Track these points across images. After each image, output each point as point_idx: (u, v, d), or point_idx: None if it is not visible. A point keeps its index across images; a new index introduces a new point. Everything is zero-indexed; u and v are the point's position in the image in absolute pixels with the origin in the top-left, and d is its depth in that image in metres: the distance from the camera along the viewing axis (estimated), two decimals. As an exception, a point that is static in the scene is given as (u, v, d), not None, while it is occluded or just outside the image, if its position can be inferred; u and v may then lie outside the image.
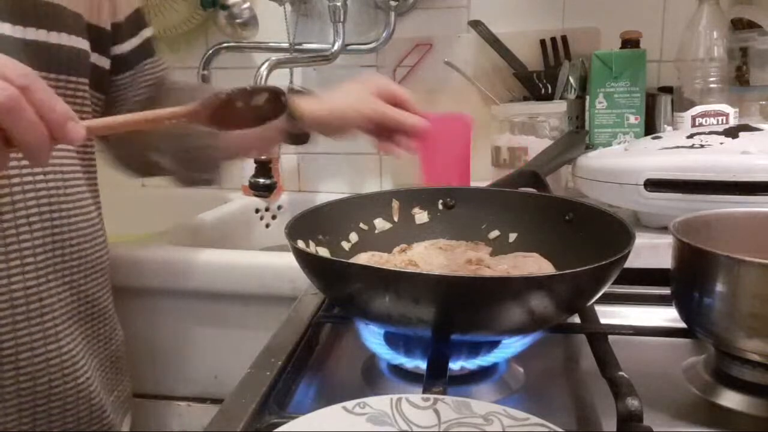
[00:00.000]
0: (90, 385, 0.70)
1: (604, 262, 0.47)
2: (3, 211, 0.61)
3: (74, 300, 0.69)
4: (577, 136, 1.00)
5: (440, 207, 0.70)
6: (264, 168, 1.19)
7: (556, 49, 1.25)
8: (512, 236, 0.67)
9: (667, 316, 0.62)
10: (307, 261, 0.52)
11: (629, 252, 0.50)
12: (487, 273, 0.58)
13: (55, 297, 0.66)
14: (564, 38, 1.25)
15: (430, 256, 0.62)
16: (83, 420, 0.70)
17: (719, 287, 0.48)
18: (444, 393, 0.45)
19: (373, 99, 0.76)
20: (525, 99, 1.24)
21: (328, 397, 0.53)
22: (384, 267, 0.50)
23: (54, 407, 0.66)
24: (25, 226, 0.63)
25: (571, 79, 1.17)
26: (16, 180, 0.62)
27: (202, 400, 0.93)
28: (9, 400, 0.63)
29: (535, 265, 0.61)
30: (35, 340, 0.64)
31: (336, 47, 1.24)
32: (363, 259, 0.62)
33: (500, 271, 0.59)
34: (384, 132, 0.76)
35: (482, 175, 1.01)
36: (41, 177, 0.64)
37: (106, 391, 0.74)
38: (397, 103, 0.76)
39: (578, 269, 0.46)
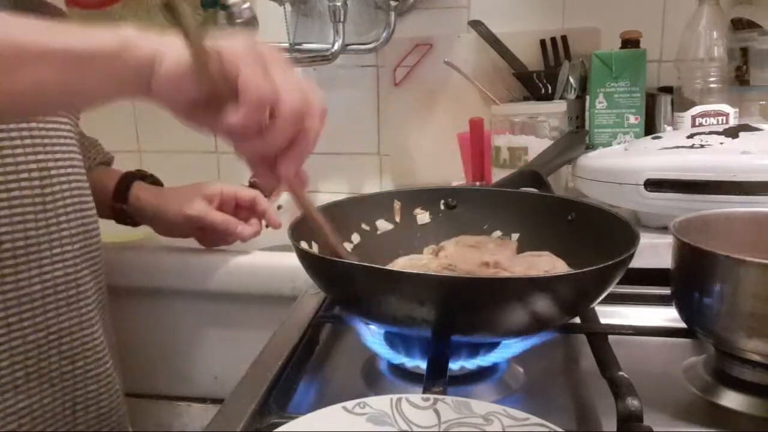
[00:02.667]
0: (113, 372, 0.72)
1: (610, 263, 0.47)
2: (47, 201, 0.64)
3: (98, 290, 0.71)
4: (577, 136, 0.99)
5: (442, 207, 0.70)
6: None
7: (556, 49, 1.25)
8: (514, 236, 0.67)
9: (667, 316, 0.62)
10: (310, 262, 0.52)
11: (634, 252, 0.50)
12: (503, 276, 0.57)
13: (87, 285, 0.69)
14: (564, 38, 1.25)
15: (464, 256, 0.62)
16: (112, 404, 0.72)
17: (719, 287, 0.48)
18: (444, 393, 0.45)
19: (199, 201, 0.82)
20: (525, 99, 1.24)
21: (328, 397, 0.53)
22: (385, 268, 0.50)
23: (90, 391, 0.69)
24: (63, 216, 0.66)
25: (571, 79, 1.17)
26: (53, 171, 0.65)
27: (202, 400, 0.93)
28: (56, 384, 0.65)
29: (549, 263, 0.60)
30: (73, 325, 0.67)
31: (336, 47, 1.24)
32: (400, 264, 0.62)
33: (517, 273, 0.59)
34: (209, 234, 0.85)
35: (482, 175, 1.01)
36: (70, 169, 0.67)
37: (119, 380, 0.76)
38: (239, 204, 0.85)
39: (584, 270, 0.46)
